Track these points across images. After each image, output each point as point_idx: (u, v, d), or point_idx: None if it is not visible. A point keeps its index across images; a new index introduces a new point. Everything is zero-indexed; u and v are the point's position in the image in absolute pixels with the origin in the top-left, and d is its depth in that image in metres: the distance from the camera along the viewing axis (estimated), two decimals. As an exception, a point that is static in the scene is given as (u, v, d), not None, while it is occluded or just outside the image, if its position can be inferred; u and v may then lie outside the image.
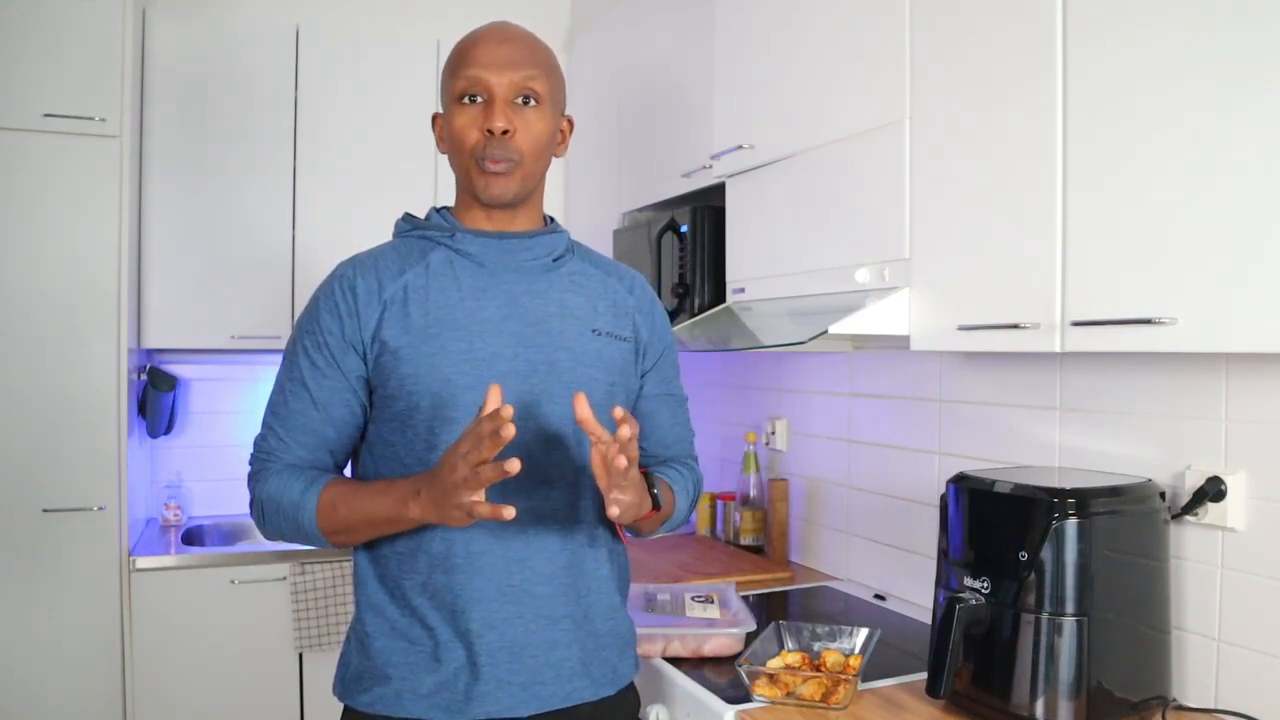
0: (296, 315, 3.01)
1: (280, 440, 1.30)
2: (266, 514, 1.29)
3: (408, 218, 1.40)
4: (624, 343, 1.40)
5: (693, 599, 1.84)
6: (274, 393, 1.33)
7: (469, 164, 1.31)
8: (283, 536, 1.30)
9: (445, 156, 1.38)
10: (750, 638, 1.66)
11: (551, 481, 1.30)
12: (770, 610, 2.09)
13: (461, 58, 1.31)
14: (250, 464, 1.33)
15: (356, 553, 1.34)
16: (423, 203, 1.44)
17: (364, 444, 1.35)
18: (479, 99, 1.30)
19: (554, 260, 1.38)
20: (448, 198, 1.48)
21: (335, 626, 2.76)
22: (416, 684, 1.26)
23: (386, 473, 1.31)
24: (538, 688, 1.28)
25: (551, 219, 1.43)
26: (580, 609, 1.32)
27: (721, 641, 1.69)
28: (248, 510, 1.34)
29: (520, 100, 1.30)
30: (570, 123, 1.42)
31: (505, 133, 1.28)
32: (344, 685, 1.32)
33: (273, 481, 1.28)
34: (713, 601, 1.84)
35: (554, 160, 1.40)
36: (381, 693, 1.27)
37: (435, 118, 1.39)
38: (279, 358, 3.22)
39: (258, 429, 1.34)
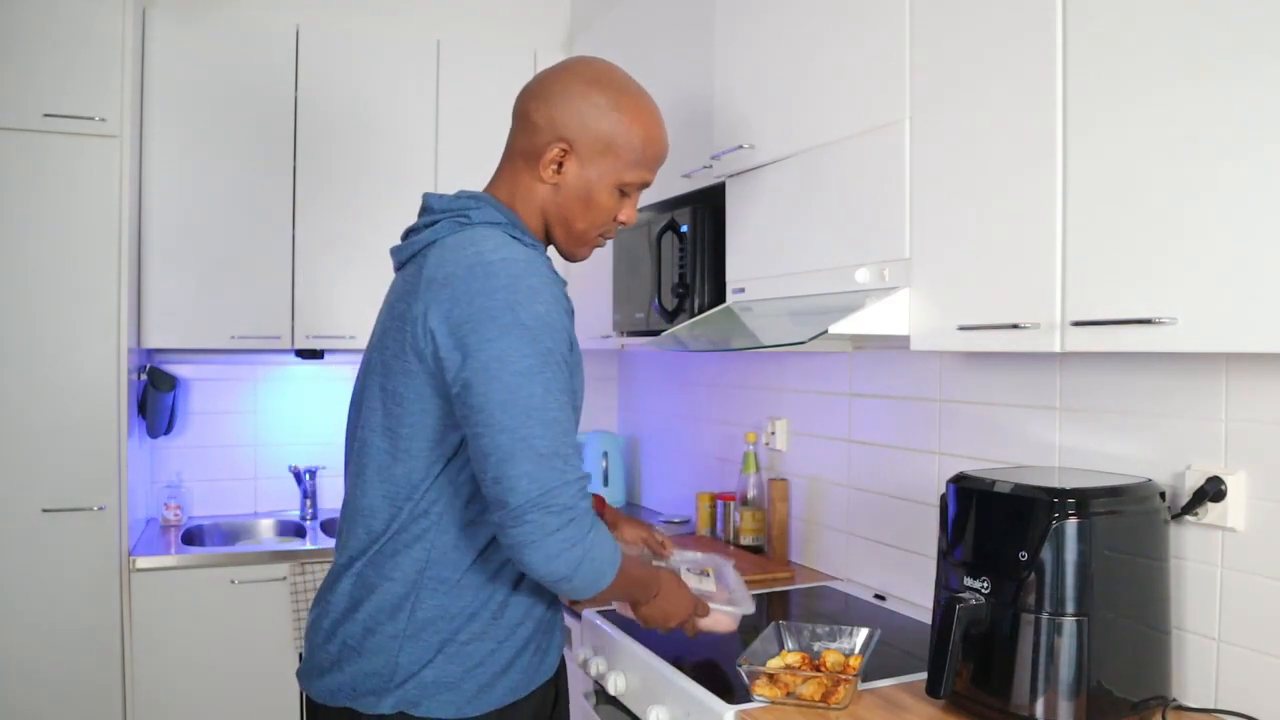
0: (301, 315, 3.02)
1: (581, 460, 1.23)
2: (584, 562, 1.20)
3: (500, 209, 1.35)
4: None
5: (688, 570, 1.75)
6: (556, 413, 1.19)
7: (589, 236, 1.40)
8: (563, 585, 1.22)
9: (531, 175, 1.37)
10: (747, 639, 1.65)
11: None
12: (770, 610, 2.09)
13: (651, 160, 1.39)
14: (568, 504, 1.18)
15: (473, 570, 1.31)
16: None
17: (452, 475, 1.29)
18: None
19: None
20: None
21: (335, 626, 2.76)
22: (496, 670, 1.33)
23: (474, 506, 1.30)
24: (555, 648, 1.43)
25: None
26: None
27: (718, 619, 1.58)
28: (553, 554, 1.18)
29: None
30: None
31: None
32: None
33: (600, 530, 1.23)
34: (709, 575, 1.75)
35: None
36: (461, 690, 1.31)
37: (552, 147, 1.34)
38: (278, 357, 3.21)
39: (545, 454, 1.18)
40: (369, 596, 1.30)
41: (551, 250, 1.46)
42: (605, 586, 1.25)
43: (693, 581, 1.69)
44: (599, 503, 1.76)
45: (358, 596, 1.31)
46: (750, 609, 1.62)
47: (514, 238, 1.31)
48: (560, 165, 1.35)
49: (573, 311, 1.31)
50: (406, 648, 1.27)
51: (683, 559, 1.81)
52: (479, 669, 1.29)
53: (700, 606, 1.52)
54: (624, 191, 1.39)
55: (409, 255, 1.35)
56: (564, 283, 1.38)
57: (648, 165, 1.38)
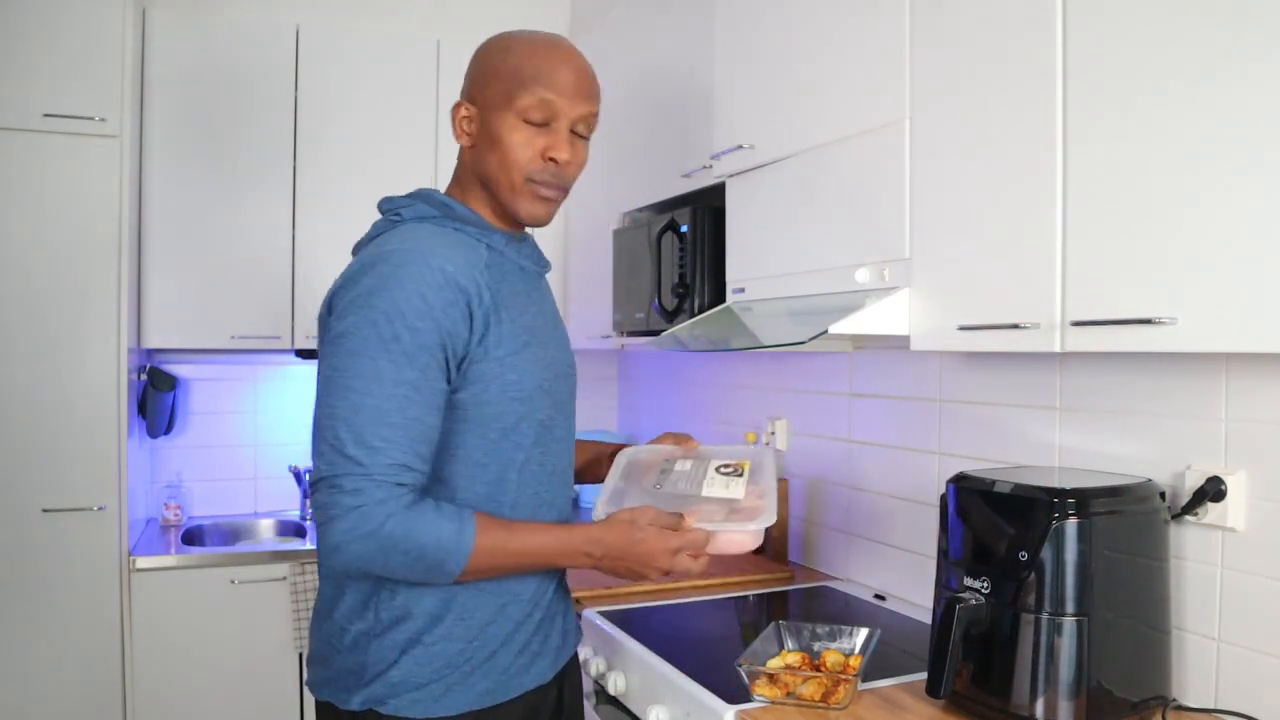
0: (301, 315, 3.02)
1: (404, 453, 1.18)
2: (386, 551, 1.17)
3: (431, 203, 1.35)
4: None
5: (720, 470, 1.48)
6: (376, 399, 1.17)
7: (516, 182, 1.31)
8: (385, 574, 1.21)
9: (462, 149, 1.37)
10: (747, 639, 1.64)
11: (570, 471, 1.44)
12: (770, 610, 2.09)
13: (538, 75, 1.29)
14: (354, 489, 1.16)
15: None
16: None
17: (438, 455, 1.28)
18: (544, 123, 1.30)
19: (544, 262, 1.47)
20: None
21: (335, 626, 2.76)
22: (469, 670, 1.30)
23: (459, 479, 1.28)
24: (550, 652, 1.40)
25: None
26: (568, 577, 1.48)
27: (729, 541, 1.37)
28: (338, 544, 1.16)
29: (577, 129, 1.33)
30: None
31: (565, 162, 1.31)
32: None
33: (413, 518, 1.17)
34: (741, 475, 1.47)
35: None
36: (431, 690, 1.29)
37: (460, 107, 1.35)
38: (278, 357, 3.22)
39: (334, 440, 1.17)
40: (341, 597, 1.31)
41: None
42: (456, 573, 1.20)
43: (717, 487, 1.45)
44: (599, 449, 1.64)
45: (333, 597, 1.33)
46: (772, 519, 1.37)
47: (455, 229, 1.31)
48: (469, 122, 1.34)
49: (484, 310, 1.25)
50: (373, 646, 1.28)
51: (717, 454, 1.55)
52: (447, 670, 1.27)
53: (693, 540, 1.31)
54: (530, 121, 1.29)
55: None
56: (538, 271, 1.40)
57: (542, 83, 1.28)
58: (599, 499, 1.40)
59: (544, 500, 1.36)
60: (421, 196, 1.36)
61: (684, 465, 1.51)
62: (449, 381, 1.24)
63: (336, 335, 1.21)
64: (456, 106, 1.36)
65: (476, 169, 1.34)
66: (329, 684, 1.31)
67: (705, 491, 1.43)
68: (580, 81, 1.32)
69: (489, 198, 1.35)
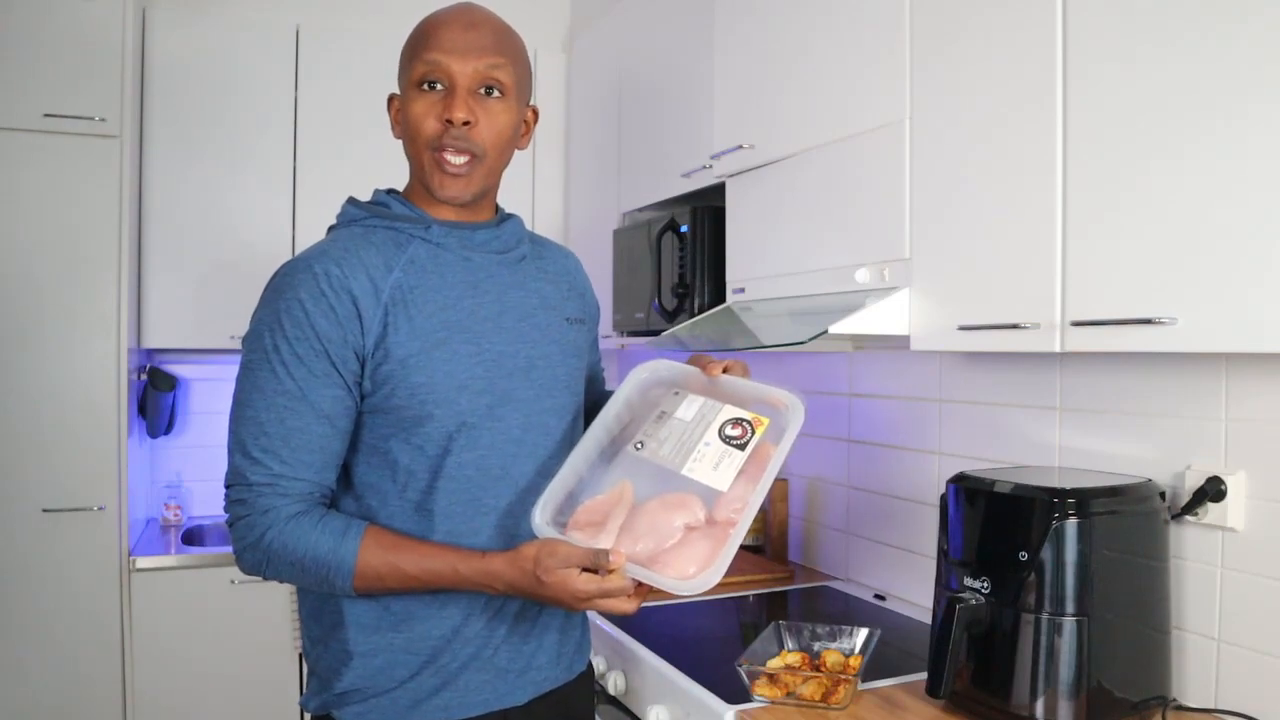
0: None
1: (285, 464, 1.18)
2: (273, 563, 1.18)
3: (361, 204, 1.31)
4: (584, 325, 1.42)
5: (726, 427, 1.23)
6: (255, 411, 1.19)
7: (424, 155, 1.24)
8: (291, 583, 1.23)
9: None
10: (747, 639, 1.65)
11: (549, 475, 1.26)
12: (770, 610, 2.09)
13: (422, 40, 1.24)
14: (238, 499, 1.20)
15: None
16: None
17: (355, 454, 1.25)
18: (439, 86, 1.23)
19: (520, 248, 1.36)
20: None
21: (335, 626, 2.76)
22: (417, 687, 1.24)
23: (389, 486, 1.24)
24: (532, 673, 1.30)
25: (497, 206, 1.38)
26: None
27: (679, 572, 1.14)
28: (236, 552, 1.20)
29: (483, 90, 1.24)
30: (535, 113, 1.36)
31: (466, 124, 1.22)
32: (330, 698, 1.28)
33: (292, 531, 1.17)
34: (746, 445, 1.21)
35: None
36: (378, 703, 1.25)
37: (391, 99, 1.32)
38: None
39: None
40: (304, 601, 1.31)
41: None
42: (348, 589, 1.18)
43: (705, 464, 1.21)
44: None
45: (301, 598, 1.32)
46: (716, 577, 1.17)
47: (386, 227, 1.26)
48: (397, 113, 1.31)
49: (381, 311, 1.19)
50: (320, 653, 1.27)
51: (738, 396, 1.29)
52: (394, 684, 1.23)
53: (612, 589, 1.13)
54: (428, 88, 1.23)
55: None
56: (501, 259, 1.29)
57: (428, 45, 1.23)
58: (544, 495, 1.21)
59: (483, 505, 1.25)
60: (354, 200, 1.32)
61: (691, 407, 1.26)
62: (354, 386, 1.20)
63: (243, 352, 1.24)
64: (389, 103, 1.33)
65: (407, 158, 1.29)
66: (310, 684, 1.31)
67: (688, 468, 1.20)
68: (470, 37, 1.23)
69: (421, 185, 1.29)
